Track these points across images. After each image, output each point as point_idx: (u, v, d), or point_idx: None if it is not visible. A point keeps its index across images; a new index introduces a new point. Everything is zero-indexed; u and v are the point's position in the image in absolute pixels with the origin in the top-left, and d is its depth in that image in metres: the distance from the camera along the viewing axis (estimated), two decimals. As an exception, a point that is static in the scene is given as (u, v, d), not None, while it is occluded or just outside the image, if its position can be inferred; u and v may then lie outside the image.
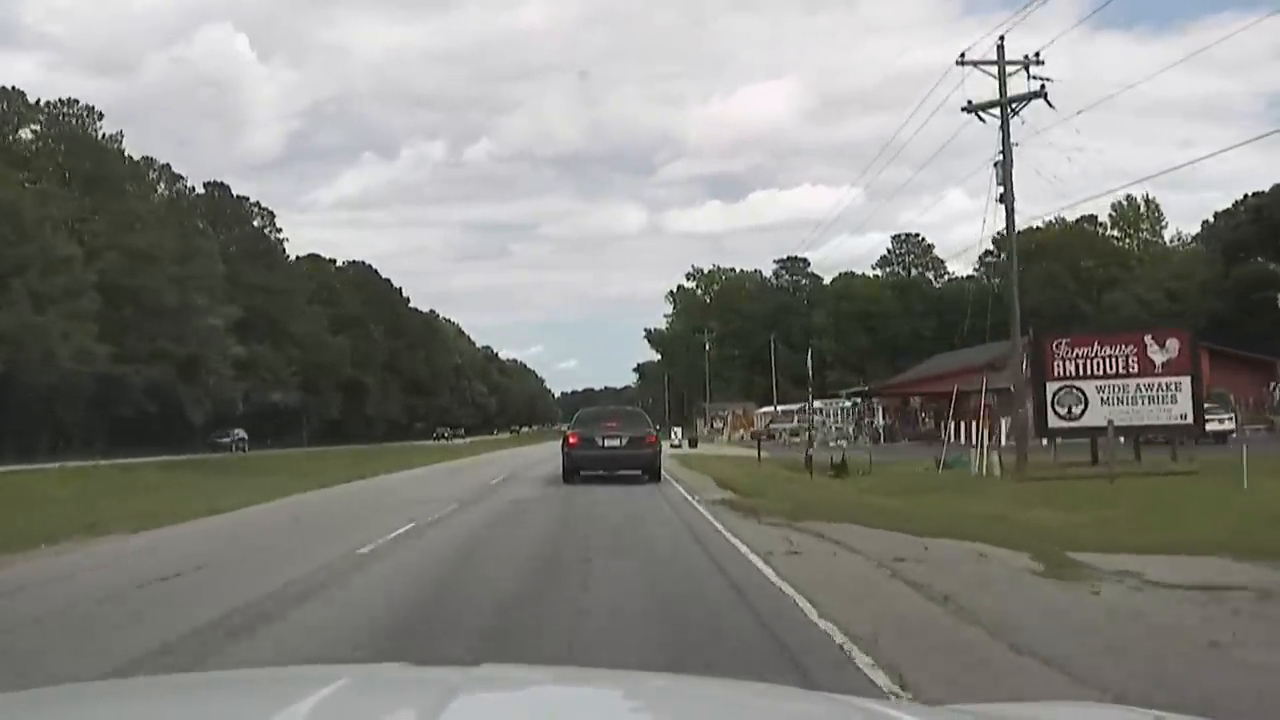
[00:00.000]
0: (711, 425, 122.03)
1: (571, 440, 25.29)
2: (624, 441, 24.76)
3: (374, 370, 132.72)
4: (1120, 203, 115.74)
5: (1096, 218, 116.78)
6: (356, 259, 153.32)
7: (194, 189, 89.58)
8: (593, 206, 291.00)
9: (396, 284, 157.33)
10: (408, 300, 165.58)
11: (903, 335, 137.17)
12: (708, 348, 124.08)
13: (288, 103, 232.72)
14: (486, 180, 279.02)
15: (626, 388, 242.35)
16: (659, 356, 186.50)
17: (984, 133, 30.03)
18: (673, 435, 60.30)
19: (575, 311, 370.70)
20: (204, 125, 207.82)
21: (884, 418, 61.43)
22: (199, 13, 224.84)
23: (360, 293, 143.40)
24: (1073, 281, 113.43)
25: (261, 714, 2.27)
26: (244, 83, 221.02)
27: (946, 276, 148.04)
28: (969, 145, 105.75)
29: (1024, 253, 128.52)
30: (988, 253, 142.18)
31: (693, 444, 64.04)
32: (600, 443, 24.65)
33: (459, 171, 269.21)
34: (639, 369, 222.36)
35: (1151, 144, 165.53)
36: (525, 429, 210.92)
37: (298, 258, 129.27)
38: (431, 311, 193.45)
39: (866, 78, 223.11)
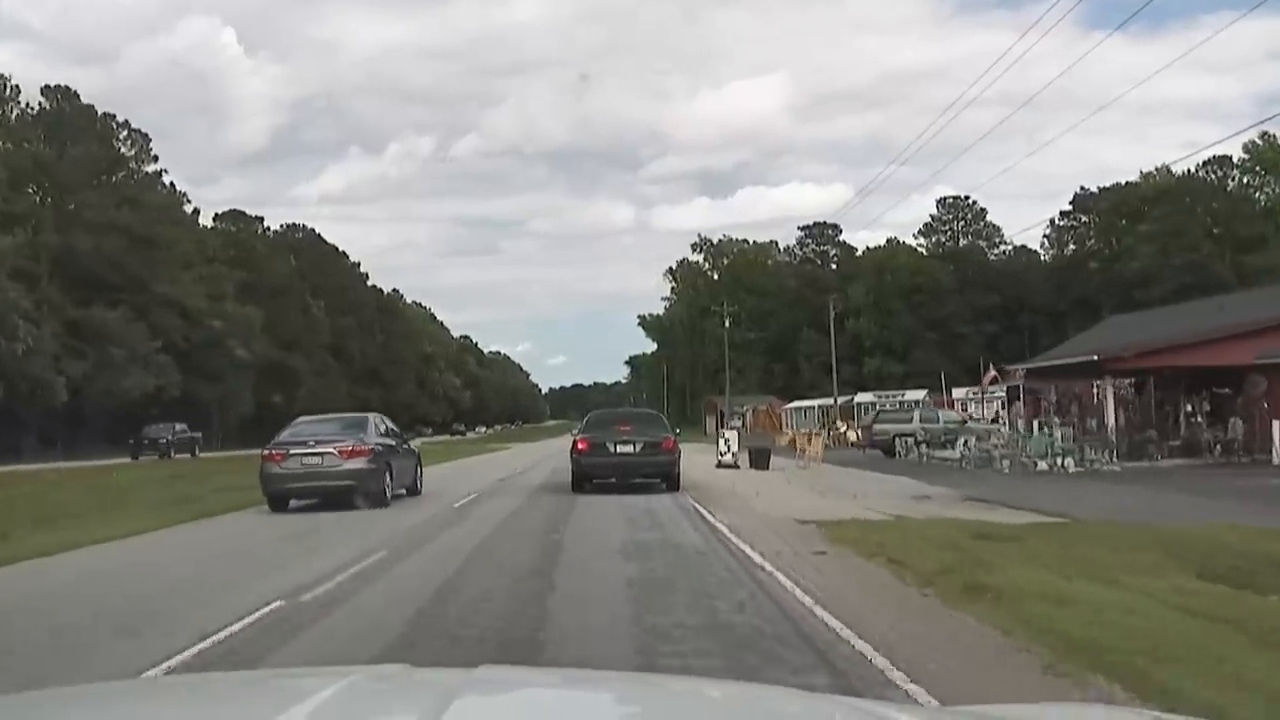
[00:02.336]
0: (726, 424, 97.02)
1: (580, 445, 21.88)
2: (639, 447, 21.75)
3: (311, 353, 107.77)
4: (1254, 142, 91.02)
5: (1231, 158, 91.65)
6: (297, 222, 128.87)
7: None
8: (582, 202, 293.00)
9: (377, 274, 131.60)
10: (365, 276, 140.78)
11: (960, 315, 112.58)
12: (727, 323, 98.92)
13: (275, 97, 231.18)
14: (477, 176, 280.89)
15: (617, 383, 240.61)
16: (655, 346, 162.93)
17: None
18: (721, 443, 34.89)
19: (564, 308, 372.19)
20: (188, 119, 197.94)
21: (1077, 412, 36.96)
22: (183, 5, 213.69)
23: (298, 260, 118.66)
24: (1206, 241, 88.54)
25: (262, 716, 2.33)
26: (230, 76, 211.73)
27: (1006, 246, 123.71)
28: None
29: (1129, 210, 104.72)
30: (1068, 214, 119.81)
31: (761, 462, 33.90)
32: (612, 448, 21.75)
33: (449, 167, 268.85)
34: (631, 362, 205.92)
35: None
36: (489, 429, 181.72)
37: (216, 215, 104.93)
38: (395, 291, 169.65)
39: (858, 76, 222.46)
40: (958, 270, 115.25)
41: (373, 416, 24.15)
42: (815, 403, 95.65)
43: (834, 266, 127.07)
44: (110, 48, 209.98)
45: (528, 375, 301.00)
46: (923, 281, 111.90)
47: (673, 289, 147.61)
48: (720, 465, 33.17)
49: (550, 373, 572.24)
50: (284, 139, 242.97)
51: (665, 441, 22.60)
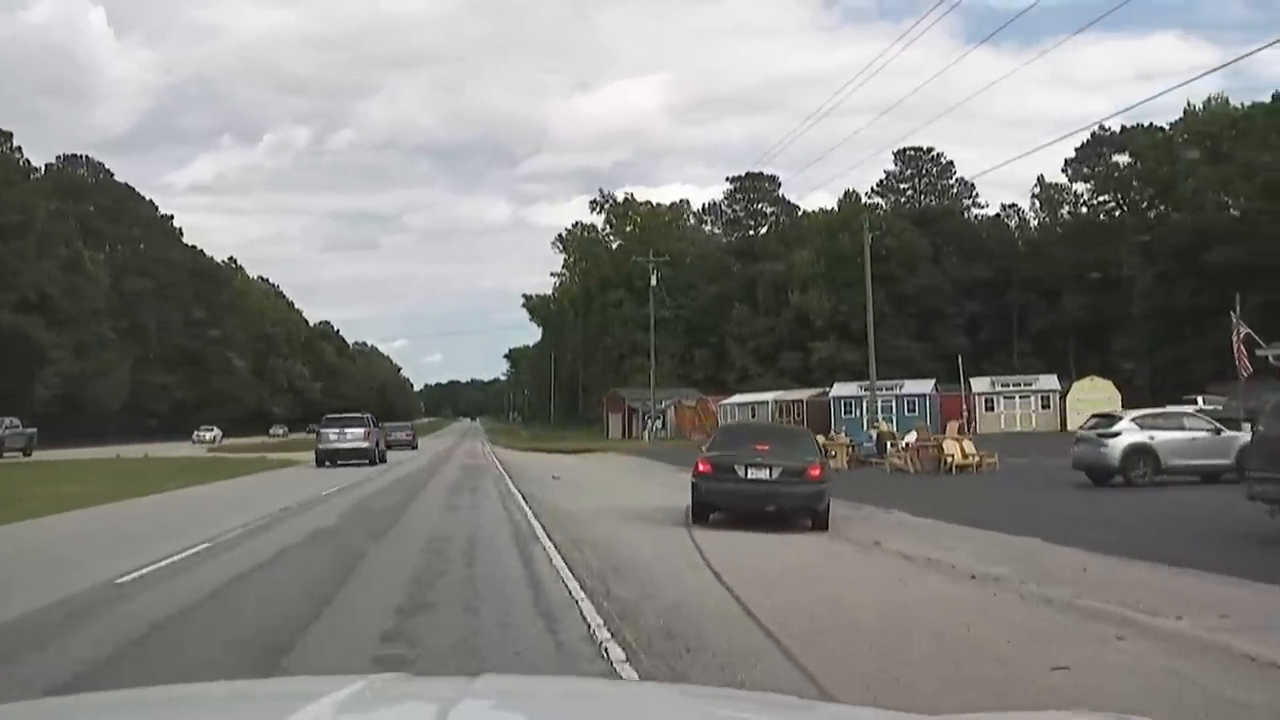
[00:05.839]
0: (651, 425, 71.03)
1: (702, 467, 18.04)
2: (776, 472, 17.23)
3: (76, 323, 79.10)
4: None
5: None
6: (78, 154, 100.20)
7: None
8: (463, 198, 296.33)
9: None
10: (178, 233, 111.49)
11: (939, 289, 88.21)
12: (654, 280, 72.40)
13: (145, 81, 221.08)
14: (356, 169, 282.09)
15: (496, 380, 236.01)
16: (540, 336, 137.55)
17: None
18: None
19: (443, 305, 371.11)
20: (48, 99, 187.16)
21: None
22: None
23: (77, 202, 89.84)
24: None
25: None
26: (97, 56, 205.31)
27: (982, 208, 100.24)
28: None
29: (1180, 147, 79.30)
30: (1086, 146, 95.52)
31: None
32: (742, 473, 17.37)
33: (327, 159, 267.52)
34: (510, 355, 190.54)
35: None
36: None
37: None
38: (232, 261, 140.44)
39: (742, 79, 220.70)
40: (930, 234, 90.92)
41: None
42: (769, 396, 70.08)
43: (775, 231, 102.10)
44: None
45: (398, 369, 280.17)
46: (892, 245, 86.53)
47: (565, 263, 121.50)
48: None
49: (427, 370, 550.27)
50: (153, 124, 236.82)
51: (811, 468, 17.61)
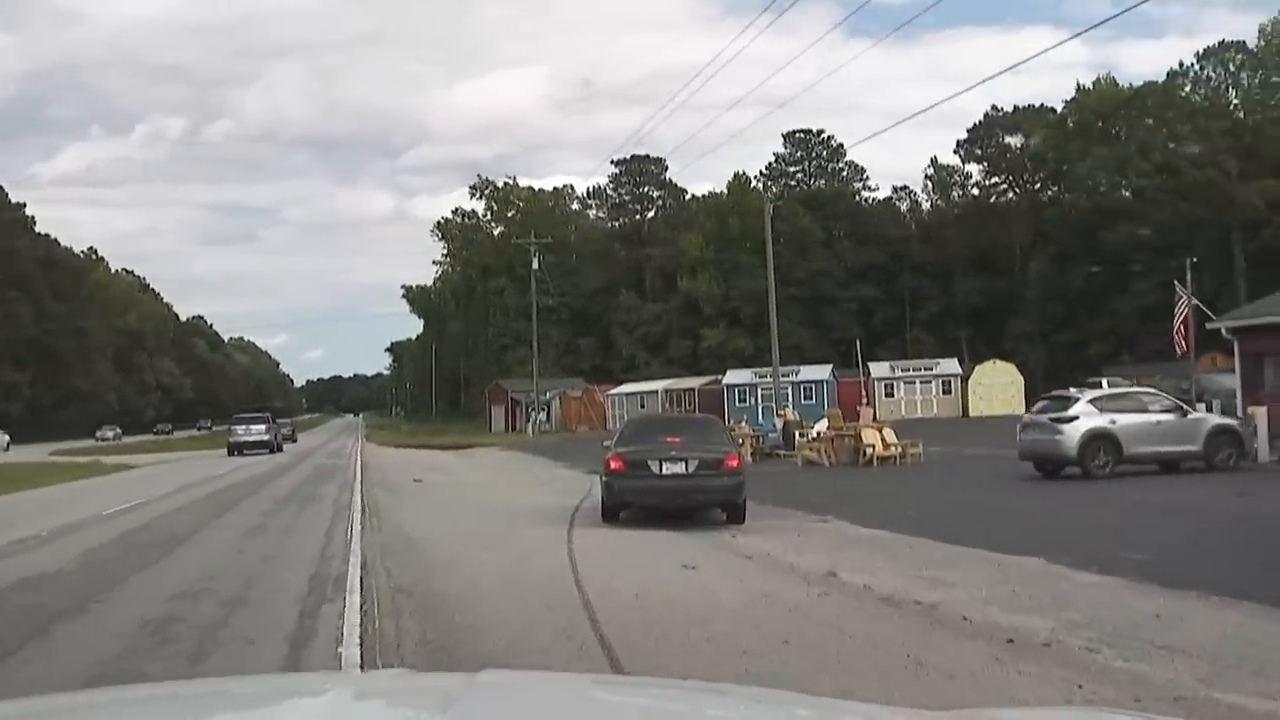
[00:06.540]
0: (534, 417, 66.91)
1: (614, 465, 16.92)
2: (693, 465, 16.37)
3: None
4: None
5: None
6: None
7: None
8: (344, 191, 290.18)
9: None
10: (28, 221, 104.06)
11: (831, 274, 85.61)
12: (536, 263, 67.90)
13: (7, 67, 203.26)
14: (233, 161, 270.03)
15: (379, 374, 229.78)
16: (423, 328, 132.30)
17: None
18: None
19: (324, 299, 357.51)
20: None
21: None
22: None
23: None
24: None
25: None
26: None
27: (873, 191, 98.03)
28: None
29: (1073, 128, 76.80)
30: (978, 127, 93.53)
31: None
32: (657, 468, 16.37)
33: (203, 150, 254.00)
34: (392, 349, 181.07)
35: None
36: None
37: None
38: (92, 251, 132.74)
39: (624, 72, 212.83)
40: (823, 220, 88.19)
41: None
42: (659, 386, 66.55)
43: (662, 215, 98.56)
44: None
45: (277, 365, 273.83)
46: (782, 229, 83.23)
47: (445, 252, 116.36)
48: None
49: (310, 366, 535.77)
50: (16, 113, 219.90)
51: (728, 458, 16.55)
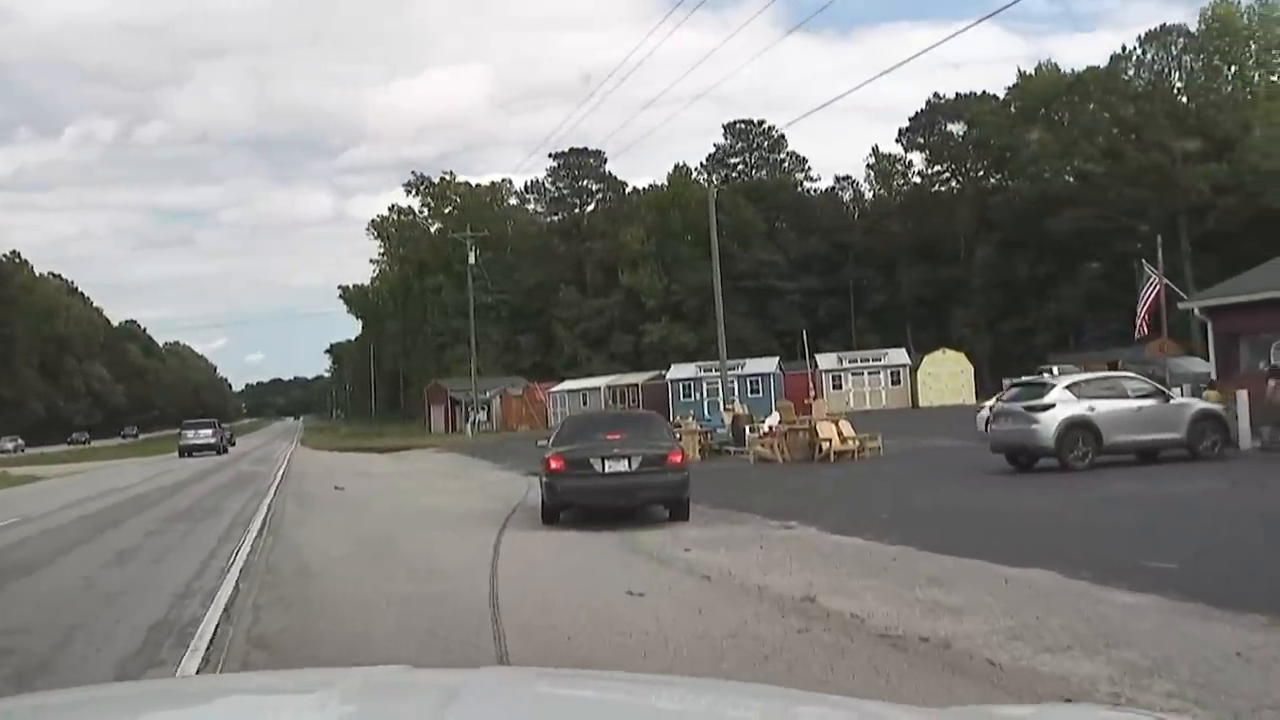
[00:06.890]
0: (473, 417, 64.89)
1: (554, 465, 16.39)
2: (636, 462, 15.94)
3: None
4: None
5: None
6: None
7: None
8: (282, 192, 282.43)
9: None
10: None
11: (774, 265, 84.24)
12: (473, 257, 65.83)
13: None
14: (169, 162, 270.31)
15: (319, 377, 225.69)
16: (362, 329, 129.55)
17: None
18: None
19: (263, 302, 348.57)
20: None
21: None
22: None
23: None
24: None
25: (266, 718, 2.35)
26: None
27: (815, 181, 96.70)
28: None
29: (1016, 114, 76.12)
30: (920, 115, 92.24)
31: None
32: (600, 466, 15.97)
33: (138, 153, 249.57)
34: (332, 350, 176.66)
35: None
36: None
37: None
38: (15, 255, 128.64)
39: (563, 70, 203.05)
40: (765, 210, 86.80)
41: None
42: (601, 382, 64.79)
43: (603, 209, 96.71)
44: None
45: (214, 369, 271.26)
46: (724, 221, 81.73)
47: (382, 250, 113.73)
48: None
49: (249, 369, 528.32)
50: None
51: (672, 454, 16.33)
